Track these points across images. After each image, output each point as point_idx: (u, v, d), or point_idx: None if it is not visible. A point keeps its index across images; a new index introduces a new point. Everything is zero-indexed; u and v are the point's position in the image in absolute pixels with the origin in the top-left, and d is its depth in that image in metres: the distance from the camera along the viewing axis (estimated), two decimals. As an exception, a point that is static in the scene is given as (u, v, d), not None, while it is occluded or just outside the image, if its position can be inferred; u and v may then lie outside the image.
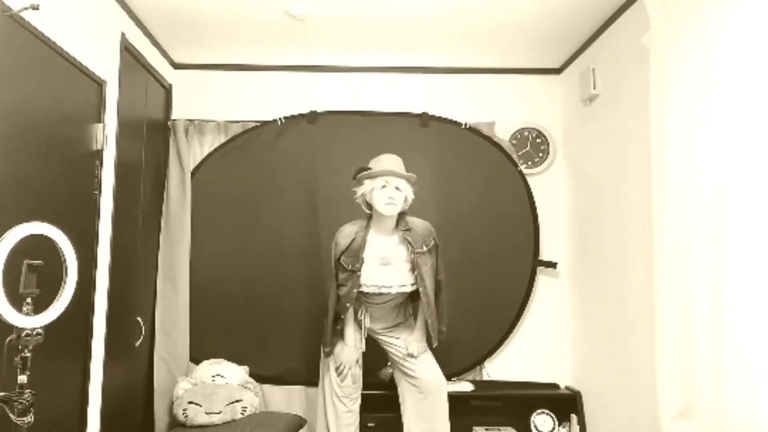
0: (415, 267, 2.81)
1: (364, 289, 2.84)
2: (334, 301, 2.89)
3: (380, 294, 2.87)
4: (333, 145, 3.59)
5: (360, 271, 2.79)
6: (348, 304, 2.83)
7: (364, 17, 3.11)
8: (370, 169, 2.84)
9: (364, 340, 2.97)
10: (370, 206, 2.84)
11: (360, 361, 2.97)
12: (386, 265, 2.83)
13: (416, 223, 2.91)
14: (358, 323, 2.96)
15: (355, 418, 2.97)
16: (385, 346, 3.03)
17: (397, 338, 2.98)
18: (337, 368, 2.91)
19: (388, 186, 2.76)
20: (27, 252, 1.66)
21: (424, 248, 2.84)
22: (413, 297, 3.03)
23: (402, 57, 3.66)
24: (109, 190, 2.79)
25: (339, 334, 2.93)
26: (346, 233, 2.85)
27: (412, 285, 2.85)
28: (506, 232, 3.63)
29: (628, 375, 2.86)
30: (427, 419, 2.90)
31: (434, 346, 2.94)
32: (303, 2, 2.94)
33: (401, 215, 2.87)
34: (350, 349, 2.91)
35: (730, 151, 1.92)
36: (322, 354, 3.00)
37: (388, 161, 2.83)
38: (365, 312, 2.96)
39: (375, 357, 3.11)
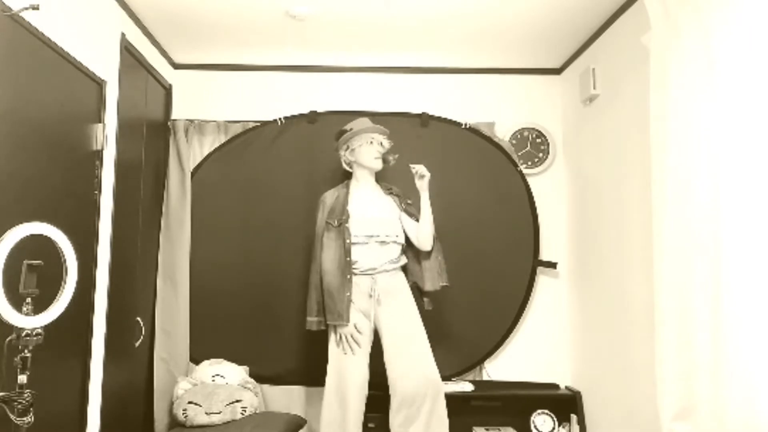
0: (408, 215, 3.02)
1: (354, 240, 2.89)
2: (318, 266, 2.91)
3: (367, 244, 2.89)
4: (333, 146, 3.58)
5: (347, 223, 2.91)
6: (347, 258, 2.84)
7: (364, 17, 3.11)
8: (350, 129, 3.05)
9: (372, 316, 2.87)
10: (350, 166, 3.09)
11: (368, 346, 2.87)
12: (372, 214, 2.95)
13: (394, 187, 3.16)
14: (360, 301, 2.87)
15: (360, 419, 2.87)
16: (387, 333, 2.88)
17: (399, 323, 2.88)
18: (338, 341, 2.83)
19: (374, 142, 2.99)
20: (27, 252, 1.66)
21: (410, 201, 3.08)
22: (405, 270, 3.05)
23: (402, 57, 3.66)
24: (109, 190, 2.79)
25: (342, 304, 2.82)
26: (330, 194, 3.07)
27: (397, 236, 2.97)
28: (506, 232, 3.63)
29: (628, 375, 2.86)
30: (425, 421, 2.78)
31: (443, 284, 3.02)
32: (303, 2, 2.95)
33: (379, 180, 3.12)
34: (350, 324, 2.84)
35: (730, 151, 1.92)
36: (332, 354, 2.89)
37: (367, 121, 3.08)
38: (375, 288, 2.88)
39: (370, 355, 3.08)
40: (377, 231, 2.92)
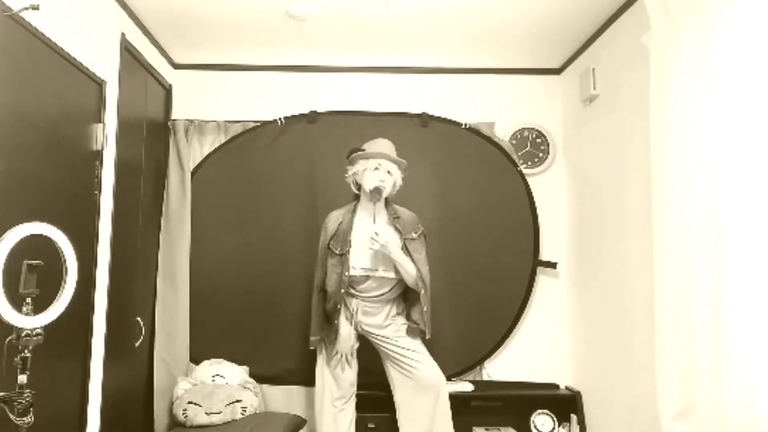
0: (406, 254, 2.86)
1: (353, 272, 2.85)
2: (319, 288, 2.92)
3: (367, 278, 2.87)
4: (333, 146, 3.59)
5: (348, 254, 2.84)
6: (341, 290, 2.83)
7: (363, 17, 3.11)
8: (363, 150, 2.92)
9: (356, 335, 2.93)
10: (358, 188, 2.94)
11: (355, 358, 2.95)
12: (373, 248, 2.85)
13: (404, 211, 3.00)
14: (350, 316, 2.92)
15: (351, 420, 2.96)
16: (378, 344, 2.97)
17: (390, 336, 2.92)
18: (332, 357, 2.89)
19: (381, 168, 2.86)
20: (27, 252, 1.66)
21: (414, 235, 2.92)
22: (405, 297, 3.03)
23: (402, 57, 3.66)
24: (109, 190, 2.79)
25: (329, 325, 2.90)
26: (334, 218, 2.95)
27: (396, 272, 2.88)
28: (506, 232, 3.62)
29: (628, 375, 2.86)
30: (427, 420, 2.87)
31: (427, 337, 2.91)
32: (303, 2, 2.95)
33: (388, 203, 2.97)
34: (344, 337, 2.87)
35: (730, 151, 1.92)
36: (318, 357, 2.98)
37: (383, 145, 2.92)
38: (357, 306, 2.92)
39: (370, 355, 3.09)
40: (375, 265, 2.88)
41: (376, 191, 2.84)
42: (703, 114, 2.04)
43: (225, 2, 2.94)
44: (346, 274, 2.83)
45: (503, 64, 3.76)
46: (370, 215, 2.94)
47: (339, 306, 2.85)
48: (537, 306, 3.69)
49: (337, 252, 2.87)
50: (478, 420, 3.47)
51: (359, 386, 3.05)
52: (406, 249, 2.86)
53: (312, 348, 2.95)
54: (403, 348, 2.90)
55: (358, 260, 2.86)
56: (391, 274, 2.89)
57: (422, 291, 2.85)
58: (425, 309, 2.86)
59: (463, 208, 3.63)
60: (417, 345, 2.93)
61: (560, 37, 3.34)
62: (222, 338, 3.51)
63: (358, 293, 2.91)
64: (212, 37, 3.37)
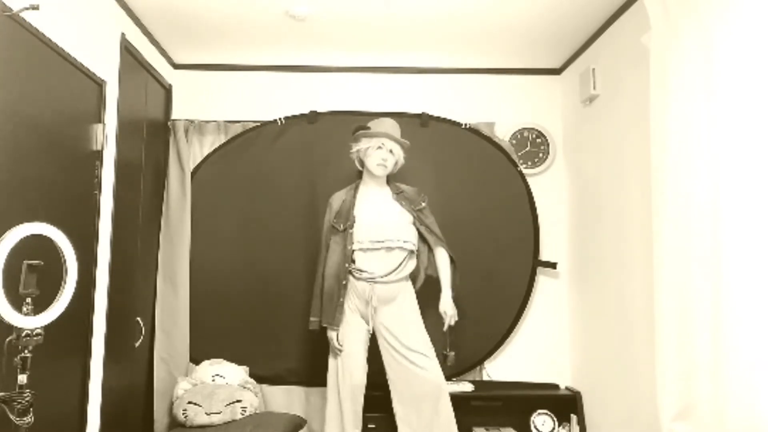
0: (420, 223, 2.95)
1: (359, 246, 2.87)
2: (323, 268, 2.93)
3: (377, 252, 2.86)
4: (333, 146, 3.58)
5: (352, 228, 2.88)
6: (345, 264, 2.83)
7: (363, 17, 3.11)
8: (368, 128, 2.98)
9: (371, 321, 2.88)
10: (362, 164, 3.01)
11: (365, 347, 2.91)
12: (378, 219, 2.90)
13: (405, 187, 3.09)
14: (364, 307, 2.88)
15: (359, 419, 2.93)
16: (384, 342, 2.90)
17: (399, 331, 2.88)
18: (336, 347, 2.87)
19: (383, 148, 2.93)
20: (27, 252, 1.66)
21: (423, 204, 3.01)
22: (413, 278, 3.02)
23: (402, 57, 3.66)
24: (109, 190, 2.79)
25: (332, 311, 2.86)
26: (338, 196, 3.03)
27: (405, 242, 2.91)
28: (506, 232, 3.62)
29: (628, 375, 2.86)
30: (427, 425, 2.82)
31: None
32: (303, 2, 2.95)
33: (390, 180, 3.04)
34: (347, 326, 2.85)
35: (730, 151, 1.92)
36: (330, 353, 2.96)
37: (387, 125, 2.98)
38: (372, 293, 2.87)
39: (372, 354, 3.08)
40: (383, 237, 2.88)
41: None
42: (703, 114, 2.04)
43: (225, 2, 2.94)
44: (349, 247, 2.86)
45: (503, 64, 3.76)
46: (373, 191, 2.98)
47: (344, 282, 2.84)
48: (537, 306, 3.69)
49: (341, 229, 2.90)
50: (478, 420, 3.46)
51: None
52: (419, 219, 2.95)
53: (311, 329, 2.95)
54: (409, 349, 2.84)
55: (364, 234, 2.88)
56: (398, 243, 2.88)
57: (443, 251, 3.02)
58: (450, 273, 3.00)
59: (463, 209, 3.63)
60: (425, 348, 2.88)
61: (560, 37, 3.34)
62: (222, 338, 3.51)
63: (369, 274, 2.86)
64: (212, 37, 3.37)
